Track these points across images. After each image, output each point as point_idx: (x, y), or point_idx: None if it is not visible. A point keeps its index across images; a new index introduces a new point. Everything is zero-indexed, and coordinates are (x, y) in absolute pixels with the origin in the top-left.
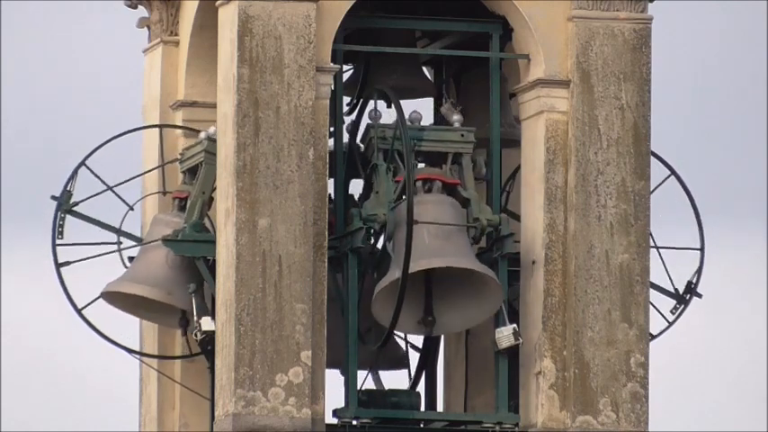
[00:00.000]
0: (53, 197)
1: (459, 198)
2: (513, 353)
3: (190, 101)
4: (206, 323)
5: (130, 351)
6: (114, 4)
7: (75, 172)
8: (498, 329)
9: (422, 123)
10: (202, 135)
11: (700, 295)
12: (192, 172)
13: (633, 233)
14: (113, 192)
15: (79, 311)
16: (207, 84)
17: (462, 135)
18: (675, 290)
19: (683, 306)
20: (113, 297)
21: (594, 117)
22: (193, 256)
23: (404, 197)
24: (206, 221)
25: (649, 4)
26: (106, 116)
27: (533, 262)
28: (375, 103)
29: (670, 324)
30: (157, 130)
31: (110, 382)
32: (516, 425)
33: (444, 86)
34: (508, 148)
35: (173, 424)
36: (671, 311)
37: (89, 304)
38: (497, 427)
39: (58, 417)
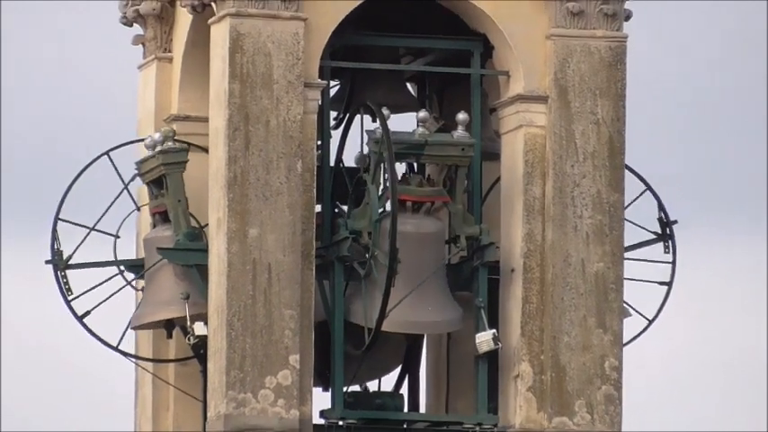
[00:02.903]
0: (47, 261)
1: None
2: (492, 357)
3: (183, 115)
4: (199, 328)
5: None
6: (111, 22)
7: (54, 229)
8: (478, 334)
9: (423, 129)
10: (148, 142)
11: (675, 221)
12: (156, 183)
13: (608, 243)
14: (96, 230)
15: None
16: (199, 99)
17: (463, 149)
18: (654, 232)
19: (671, 240)
20: (141, 325)
21: (571, 131)
22: (187, 264)
23: (387, 210)
24: (192, 221)
25: (624, 23)
26: (102, 130)
27: (512, 270)
28: (380, 113)
29: (673, 264)
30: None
31: (106, 384)
32: (495, 425)
33: (427, 101)
34: (488, 161)
35: (167, 424)
36: (665, 253)
37: (122, 338)
38: (477, 428)
39: (57, 417)
